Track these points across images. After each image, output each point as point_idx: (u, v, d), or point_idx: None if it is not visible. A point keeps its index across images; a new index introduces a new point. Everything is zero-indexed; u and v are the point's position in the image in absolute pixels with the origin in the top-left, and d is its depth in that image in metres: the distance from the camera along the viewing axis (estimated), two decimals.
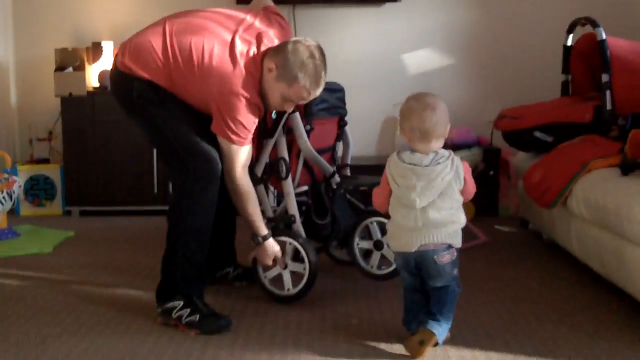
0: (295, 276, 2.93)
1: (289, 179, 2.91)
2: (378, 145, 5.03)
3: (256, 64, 2.64)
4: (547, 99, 4.00)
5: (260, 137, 2.91)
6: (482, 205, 4.48)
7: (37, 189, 4.78)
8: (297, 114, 2.87)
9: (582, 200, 3.03)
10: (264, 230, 2.79)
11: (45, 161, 4.87)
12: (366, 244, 3.13)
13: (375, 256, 3.11)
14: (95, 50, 4.73)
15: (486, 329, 2.66)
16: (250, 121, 2.62)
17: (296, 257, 2.92)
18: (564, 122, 3.62)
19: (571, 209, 3.17)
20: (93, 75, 4.74)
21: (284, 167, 2.90)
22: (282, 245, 2.89)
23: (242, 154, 2.66)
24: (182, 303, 2.66)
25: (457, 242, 2.45)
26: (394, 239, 2.47)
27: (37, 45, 5.00)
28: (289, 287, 2.92)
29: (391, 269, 3.05)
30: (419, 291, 2.50)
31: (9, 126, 5.04)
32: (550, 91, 4.18)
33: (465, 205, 2.53)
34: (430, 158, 2.35)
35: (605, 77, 3.47)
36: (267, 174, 2.96)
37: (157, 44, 2.64)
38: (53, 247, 3.85)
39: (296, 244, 2.89)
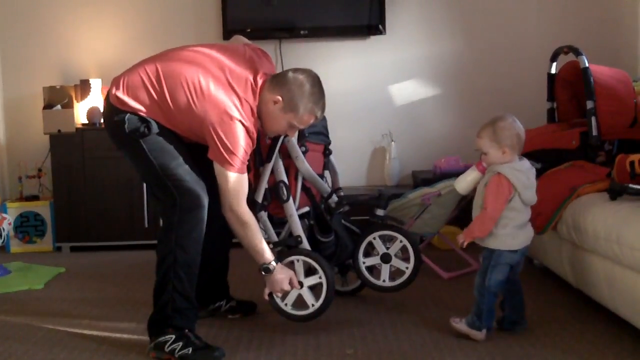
0: (315, 290, 2.91)
1: (291, 200, 2.94)
2: (368, 175, 5.05)
3: (254, 94, 2.70)
4: (534, 126, 4.02)
5: (257, 164, 2.94)
6: None
7: (27, 226, 4.76)
8: (293, 138, 2.92)
9: (572, 226, 3.05)
10: (270, 255, 2.77)
11: (35, 198, 4.85)
12: (371, 261, 3.13)
13: (385, 269, 3.10)
14: (84, 87, 4.74)
15: (480, 354, 2.66)
16: (248, 147, 2.66)
17: (307, 272, 2.92)
18: (551, 148, 3.66)
19: (561, 234, 3.19)
20: (81, 112, 4.76)
21: (284, 190, 2.93)
22: (290, 265, 2.88)
23: (240, 183, 2.67)
24: (174, 337, 2.65)
25: None
26: (516, 237, 2.76)
27: (25, 83, 5.01)
28: (312, 302, 2.89)
29: (404, 278, 3.05)
30: None
31: None
32: (536, 119, 4.21)
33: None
34: (527, 162, 2.79)
35: (590, 104, 3.51)
36: (267, 200, 2.97)
37: (147, 78, 2.69)
38: (44, 284, 3.83)
39: (303, 258, 2.88)
